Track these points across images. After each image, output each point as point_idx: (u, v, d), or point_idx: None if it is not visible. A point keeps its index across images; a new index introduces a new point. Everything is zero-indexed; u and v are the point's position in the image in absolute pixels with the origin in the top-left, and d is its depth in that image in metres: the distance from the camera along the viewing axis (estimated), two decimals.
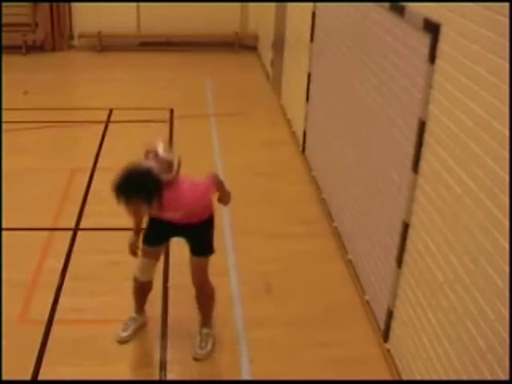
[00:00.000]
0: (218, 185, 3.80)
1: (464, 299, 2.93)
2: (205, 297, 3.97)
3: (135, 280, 4.00)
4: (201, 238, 3.82)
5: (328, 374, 3.85)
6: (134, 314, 4.17)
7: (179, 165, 3.60)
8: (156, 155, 3.54)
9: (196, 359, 3.93)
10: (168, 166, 3.53)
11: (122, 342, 4.07)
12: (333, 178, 5.45)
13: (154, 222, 3.84)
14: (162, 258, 4.16)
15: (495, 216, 2.66)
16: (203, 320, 4.05)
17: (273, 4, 8.91)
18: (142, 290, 4.07)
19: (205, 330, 4.03)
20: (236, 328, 4.21)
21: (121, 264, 4.78)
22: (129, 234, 3.93)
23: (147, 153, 3.56)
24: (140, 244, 3.91)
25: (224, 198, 3.90)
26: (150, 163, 3.48)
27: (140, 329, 4.17)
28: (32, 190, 5.90)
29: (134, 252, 3.93)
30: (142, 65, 10.21)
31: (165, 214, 3.62)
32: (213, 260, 4.88)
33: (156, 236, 3.89)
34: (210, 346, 3.99)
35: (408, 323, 3.65)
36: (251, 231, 5.35)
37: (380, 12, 4.12)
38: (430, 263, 3.32)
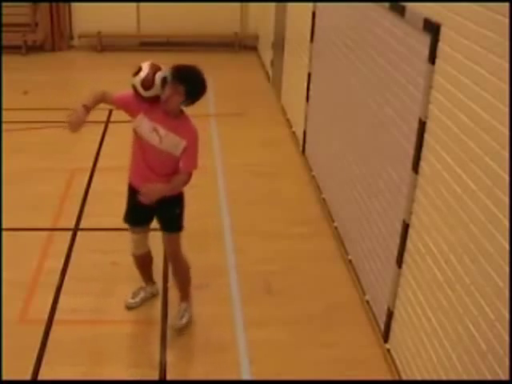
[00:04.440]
0: (185, 177, 3.76)
1: (464, 299, 2.93)
2: (179, 271, 4.13)
3: (133, 255, 4.20)
4: (171, 214, 3.93)
5: (328, 374, 3.85)
6: (143, 284, 4.41)
7: None
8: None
9: (174, 329, 4.13)
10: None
11: (130, 308, 4.32)
12: (333, 178, 5.45)
13: (131, 205, 3.99)
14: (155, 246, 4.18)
15: (495, 216, 2.66)
16: (181, 294, 4.24)
17: (273, 4, 8.91)
18: (142, 263, 4.29)
19: (183, 305, 4.21)
20: (236, 328, 4.21)
21: (120, 264, 4.78)
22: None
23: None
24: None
25: (172, 188, 3.77)
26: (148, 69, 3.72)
27: (149, 298, 4.43)
28: (32, 189, 5.91)
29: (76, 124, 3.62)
30: None
31: (167, 127, 3.69)
32: (213, 260, 4.91)
33: (135, 217, 4.05)
34: (185, 320, 4.17)
35: (408, 323, 3.65)
36: (251, 231, 5.35)
37: (380, 12, 4.12)
38: (430, 263, 3.32)
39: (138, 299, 4.37)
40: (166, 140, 3.70)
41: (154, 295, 4.46)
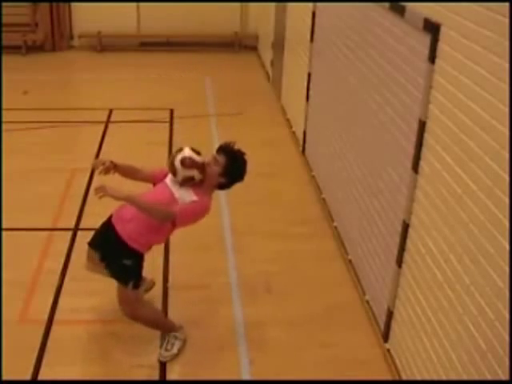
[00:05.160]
0: (165, 211, 3.53)
1: (464, 299, 2.93)
2: (142, 324, 3.87)
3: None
4: (118, 264, 3.64)
5: (328, 374, 3.85)
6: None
7: None
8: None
9: (160, 361, 3.86)
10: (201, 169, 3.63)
11: None
12: (333, 178, 5.45)
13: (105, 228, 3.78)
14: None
15: (495, 216, 2.66)
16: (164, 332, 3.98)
17: (273, 4, 8.91)
18: None
19: (172, 334, 3.95)
20: (236, 328, 4.21)
21: None
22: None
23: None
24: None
25: (138, 204, 3.55)
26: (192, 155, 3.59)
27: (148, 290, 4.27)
28: (32, 189, 5.90)
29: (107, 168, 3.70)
30: (142, 65, 10.21)
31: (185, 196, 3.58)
32: (213, 260, 4.90)
33: (99, 239, 3.80)
34: (175, 349, 3.90)
35: (408, 323, 3.65)
36: (251, 231, 5.35)
37: (380, 12, 4.12)
38: (430, 263, 3.32)
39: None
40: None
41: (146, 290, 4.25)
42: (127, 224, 3.61)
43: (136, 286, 3.69)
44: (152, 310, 3.95)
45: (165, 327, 3.99)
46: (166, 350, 3.89)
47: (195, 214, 3.59)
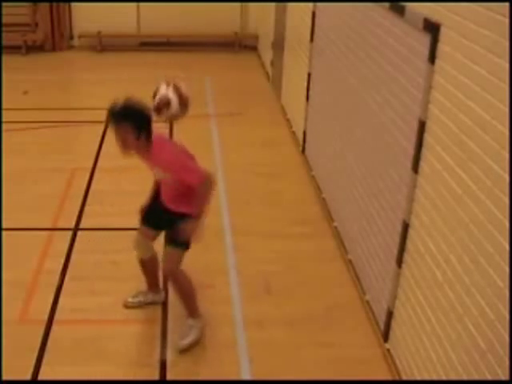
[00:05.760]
0: (201, 191, 3.63)
1: (464, 299, 2.93)
2: (177, 288, 3.99)
3: (137, 257, 4.16)
4: (177, 228, 3.73)
5: (328, 374, 3.85)
6: (144, 289, 4.34)
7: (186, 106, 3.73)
8: (177, 88, 3.70)
9: (178, 349, 3.95)
10: (184, 103, 3.75)
11: (125, 306, 4.31)
12: (333, 178, 5.45)
13: (152, 206, 4.00)
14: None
15: (495, 216, 2.66)
16: (185, 310, 4.08)
17: (273, 4, 8.92)
18: (144, 267, 4.21)
19: (189, 321, 4.04)
20: (236, 328, 4.21)
21: (120, 264, 4.79)
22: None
23: (168, 82, 3.70)
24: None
25: (198, 203, 3.67)
26: (170, 92, 3.66)
27: (149, 304, 4.34)
28: (32, 190, 5.91)
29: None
30: (141, 65, 10.21)
31: (150, 162, 3.71)
32: (213, 260, 4.91)
33: (150, 218, 4.02)
34: (192, 337, 3.99)
35: (408, 323, 3.65)
36: (251, 231, 5.35)
37: (380, 12, 4.12)
38: (430, 263, 3.32)
39: (135, 301, 4.33)
40: (157, 173, 3.78)
41: (155, 303, 4.36)
42: (166, 197, 3.86)
43: (188, 247, 3.85)
44: (189, 281, 4.00)
45: (192, 304, 4.05)
46: (181, 337, 3.98)
47: (182, 164, 3.65)
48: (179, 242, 3.80)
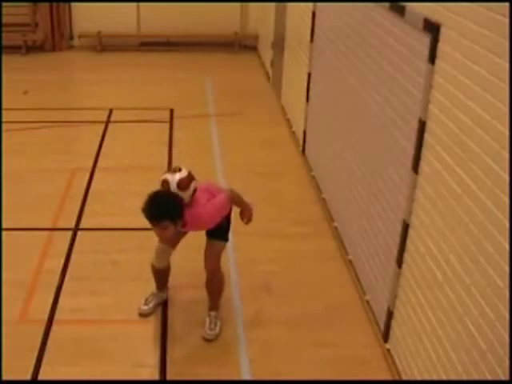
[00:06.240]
0: (235, 199, 4.08)
1: (464, 299, 2.94)
2: (215, 283, 4.14)
3: (152, 266, 4.21)
4: (221, 224, 3.99)
5: (328, 374, 3.85)
6: (155, 290, 4.37)
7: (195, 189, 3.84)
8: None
9: (206, 339, 4.07)
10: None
11: (143, 314, 4.29)
12: (333, 177, 5.45)
13: None
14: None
15: (495, 216, 2.66)
16: (212, 304, 4.21)
17: (273, 4, 8.91)
18: (159, 275, 4.29)
19: (213, 313, 4.18)
20: (236, 328, 4.22)
21: (121, 264, 4.79)
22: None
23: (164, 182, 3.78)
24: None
25: (245, 212, 4.16)
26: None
27: (161, 304, 4.38)
28: (32, 189, 5.91)
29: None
30: (141, 65, 10.21)
31: (187, 229, 3.92)
32: None
33: None
34: (218, 329, 4.14)
35: (408, 323, 3.65)
36: (251, 231, 5.33)
37: (380, 12, 4.12)
38: (430, 263, 3.32)
39: (151, 305, 4.32)
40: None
41: (163, 300, 4.41)
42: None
43: (227, 239, 4.13)
44: (224, 277, 4.21)
45: (220, 299, 4.25)
46: (211, 329, 4.11)
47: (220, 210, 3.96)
48: (224, 237, 4.08)
